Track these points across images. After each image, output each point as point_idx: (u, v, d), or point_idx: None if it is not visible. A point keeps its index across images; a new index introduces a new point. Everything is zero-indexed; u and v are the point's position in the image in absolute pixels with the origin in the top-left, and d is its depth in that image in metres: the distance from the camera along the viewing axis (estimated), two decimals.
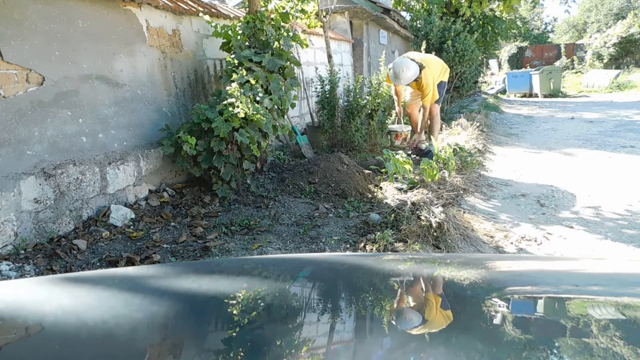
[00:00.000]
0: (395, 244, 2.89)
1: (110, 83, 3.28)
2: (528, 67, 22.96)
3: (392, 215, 3.22)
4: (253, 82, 3.72)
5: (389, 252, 2.73)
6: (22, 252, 2.56)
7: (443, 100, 9.02)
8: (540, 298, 0.80)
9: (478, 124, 7.29)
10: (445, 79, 5.29)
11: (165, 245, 2.85)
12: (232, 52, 4.06)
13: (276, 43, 4.18)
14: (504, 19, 12.05)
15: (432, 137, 5.36)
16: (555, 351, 0.58)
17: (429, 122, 5.30)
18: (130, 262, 2.59)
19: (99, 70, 3.19)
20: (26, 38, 2.69)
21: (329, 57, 6.29)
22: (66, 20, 2.96)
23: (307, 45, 4.78)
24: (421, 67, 4.83)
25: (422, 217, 3.15)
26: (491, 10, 11.61)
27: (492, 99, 13.32)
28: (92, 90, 3.13)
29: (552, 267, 1.05)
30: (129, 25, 3.48)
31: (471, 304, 0.77)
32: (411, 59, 4.91)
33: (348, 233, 3.14)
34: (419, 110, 5.36)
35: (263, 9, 4.53)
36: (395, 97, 5.37)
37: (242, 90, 3.58)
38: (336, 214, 3.52)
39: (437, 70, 5.10)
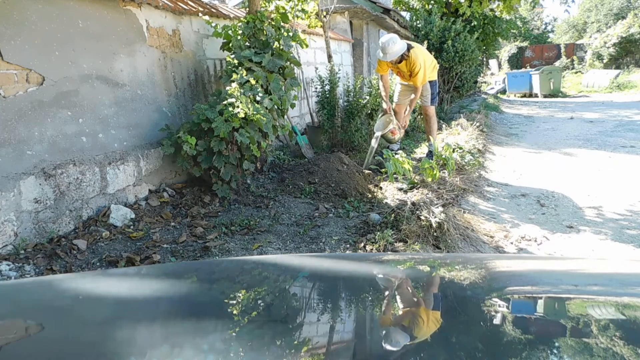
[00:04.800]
0: (395, 244, 2.89)
1: (110, 83, 3.28)
2: (528, 67, 22.96)
3: (392, 215, 3.22)
4: (253, 82, 3.72)
5: (389, 252, 2.73)
6: (22, 252, 2.56)
7: (442, 100, 9.04)
8: (540, 298, 0.80)
9: (478, 124, 7.29)
10: (435, 77, 5.24)
11: (165, 245, 2.85)
12: (232, 52, 4.06)
13: (276, 43, 4.18)
14: (503, 19, 12.06)
15: (431, 137, 5.34)
16: (555, 351, 0.58)
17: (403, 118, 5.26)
18: (130, 262, 2.59)
19: (99, 70, 3.18)
20: (26, 38, 2.69)
21: (329, 57, 6.28)
22: (66, 20, 2.96)
23: (307, 45, 4.77)
24: (409, 47, 4.81)
25: (422, 217, 3.15)
26: (491, 10, 11.61)
27: (492, 99, 13.32)
28: (92, 90, 3.13)
29: (552, 267, 1.05)
30: (129, 25, 3.48)
31: (471, 304, 0.77)
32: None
33: (348, 233, 3.14)
34: (406, 108, 5.30)
35: (263, 9, 4.53)
36: (382, 92, 5.20)
37: (242, 90, 3.58)
38: (336, 214, 3.52)
39: (428, 58, 5.05)
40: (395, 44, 4.69)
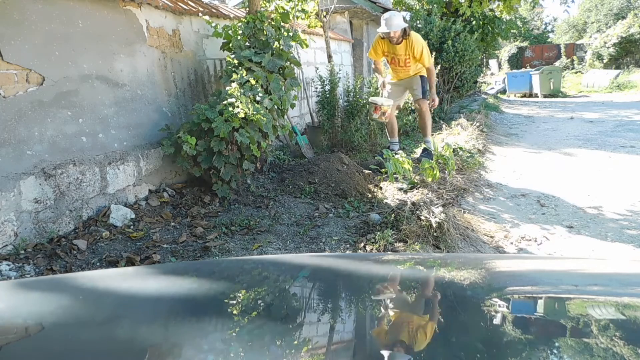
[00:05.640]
0: (395, 244, 2.89)
1: (110, 83, 3.28)
2: (528, 67, 22.93)
3: (392, 215, 3.22)
4: (253, 82, 3.72)
5: (389, 252, 2.73)
6: (22, 252, 2.56)
7: (442, 100, 9.02)
8: (540, 298, 0.80)
9: (478, 124, 7.28)
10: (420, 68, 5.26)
11: (165, 245, 2.85)
12: (232, 52, 4.06)
13: (276, 43, 4.18)
14: (503, 19, 12.06)
15: (426, 133, 5.30)
16: (555, 351, 0.58)
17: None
18: (130, 262, 2.59)
19: (99, 70, 3.18)
20: (26, 38, 2.69)
21: (329, 57, 6.28)
22: (66, 20, 2.96)
23: (307, 45, 4.77)
24: (409, 28, 4.86)
25: (422, 217, 3.15)
26: (491, 10, 11.61)
27: (492, 99, 13.31)
28: (92, 90, 3.13)
29: (552, 267, 1.05)
30: (129, 25, 3.48)
31: (471, 304, 0.77)
32: None
33: (348, 233, 3.14)
34: (416, 107, 5.33)
35: (263, 9, 4.53)
36: (377, 75, 5.33)
37: (242, 90, 3.58)
38: (336, 214, 3.52)
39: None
40: (397, 17, 4.69)
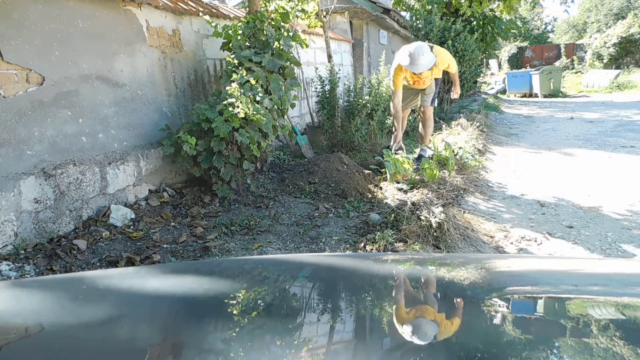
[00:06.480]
0: (395, 244, 2.89)
1: (110, 83, 3.28)
2: (528, 67, 22.95)
3: (392, 215, 3.22)
4: (253, 82, 3.72)
5: (389, 252, 2.73)
6: (22, 252, 2.56)
7: (442, 100, 9.03)
8: (540, 298, 0.80)
9: (478, 124, 7.28)
10: (441, 75, 5.06)
11: (165, 245, 2.85)
12: (232, 52, 4.06)
13: (276, 43, 4.18)
14: (503, 19, 12.06)
15: (425, 139, 5.27)
16: (555, 351, 0.58)
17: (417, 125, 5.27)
18: (130, 262, 2.59)
19: (99, 70, 3.18)
20: (26, 38, 2.69)
21: (329, 57, 6.29)
22: (66, 20, 2.96)
23: (307, 46, 4.77)
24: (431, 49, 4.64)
25: (422, 217, 3.15)
26: (491, 10, 11.61)
27: (492, 99, 13.30)
28: (92, 90, 3.13)
29: (552, 267, 1.05)
30: (129, 25, 3.48)
31: (471, 304, 0.77)
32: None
33: (348, 233, 3.14)
34: (422, 113, 5.28)
35: (263, 9, 4.53)
36: (396, 117, 4.90)
37: (242, 90, 3.58)
38: (336, 214, 3.52)
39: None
40: (427, 54, 4.38)
